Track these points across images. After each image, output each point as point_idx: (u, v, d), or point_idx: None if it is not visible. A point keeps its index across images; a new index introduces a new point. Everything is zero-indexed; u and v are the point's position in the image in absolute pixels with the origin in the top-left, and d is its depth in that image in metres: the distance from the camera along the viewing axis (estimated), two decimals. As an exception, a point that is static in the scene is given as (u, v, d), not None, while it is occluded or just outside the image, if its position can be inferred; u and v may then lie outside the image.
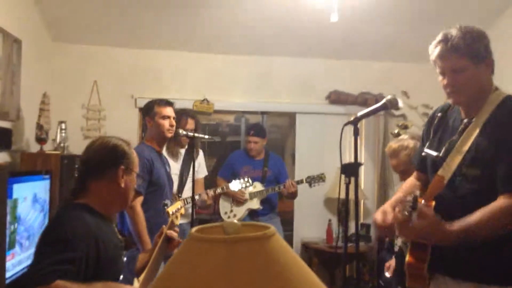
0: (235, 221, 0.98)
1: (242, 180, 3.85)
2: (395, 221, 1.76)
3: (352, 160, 2.00)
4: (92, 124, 4.53)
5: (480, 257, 1.71)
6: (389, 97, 1.98)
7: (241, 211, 4.14)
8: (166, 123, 3.03)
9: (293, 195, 4.15)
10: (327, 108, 4.94)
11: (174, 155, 3.65)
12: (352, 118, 1.99)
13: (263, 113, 5.20)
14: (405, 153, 2.76)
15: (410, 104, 4.87)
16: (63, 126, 3.64)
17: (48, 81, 4.18)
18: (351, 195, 1.95)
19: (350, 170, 1.94)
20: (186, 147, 3.74)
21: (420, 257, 1.81)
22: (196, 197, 3.55)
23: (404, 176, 2.72)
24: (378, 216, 1.97)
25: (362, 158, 5.02)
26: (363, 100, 4.88)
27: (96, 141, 1.85)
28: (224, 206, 4.23)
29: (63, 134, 3.63)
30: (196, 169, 3.79)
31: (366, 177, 5.03)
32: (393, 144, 2.87)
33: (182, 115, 3.67)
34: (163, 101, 3.10)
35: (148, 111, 3.08)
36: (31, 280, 1.48)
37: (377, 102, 4.92)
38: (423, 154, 1.97)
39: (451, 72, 1.77)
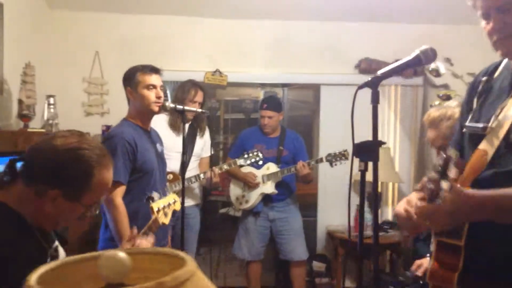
0: (120, 256, 0.56)
1: (250, 154, 3.42)
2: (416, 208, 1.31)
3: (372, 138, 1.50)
4: (94, 99, 4.16)
5: None
6: (423, 47, 1.47)
7: (254, 196, 3.64)
8: (151, 94, 2.49)
9: (306, 178, 3.60)
10: (357, 78, 4.35)
11: (176, 129, 3.23)
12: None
13: (284, 85, 4.66)
14: (447, 125, 2.18)
15: (454, 73, 4.22)
16: (51, 101, 3.24)
17: (41, 51, 3.81)
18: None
19: (366, 152, 1.43)
20: (190, 121, 3.36)
21: (448, 264, 1.34)
22: (201, 176, 3.26)
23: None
24: (400, 208, 1.50)
25: (397, 135, 4.43)
26: (398, 68, 4.27)
27: (60, 137, 1.34)
28: (235, 191, 3.75)
29: (52, 110, 3.23)
30: (201, 147, 3.42)
31: (401, 158, 4.43)
32: (433, 111, 2.28)
33: (191, 86, 3.34)
34: (147, 68, 2.56)
35: (129, 80, 2.54)
36: None
37: (415, 71, 4.40)
38: (463, 130, 1.49)
39: (497, 13, 1.35)
